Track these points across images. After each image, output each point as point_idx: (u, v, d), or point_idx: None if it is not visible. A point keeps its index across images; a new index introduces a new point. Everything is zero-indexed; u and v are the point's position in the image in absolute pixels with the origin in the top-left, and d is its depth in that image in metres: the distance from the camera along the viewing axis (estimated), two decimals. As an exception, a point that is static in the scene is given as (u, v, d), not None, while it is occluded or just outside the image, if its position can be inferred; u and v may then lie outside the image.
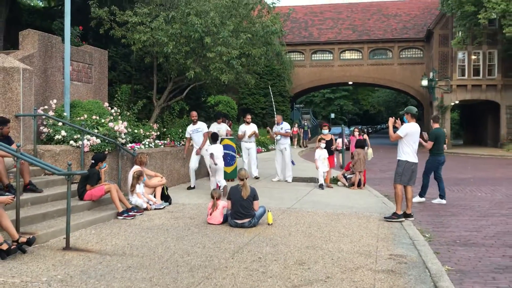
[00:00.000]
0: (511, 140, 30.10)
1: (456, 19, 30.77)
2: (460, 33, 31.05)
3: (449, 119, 33.75)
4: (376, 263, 5.35)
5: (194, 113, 11.27)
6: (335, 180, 12.31)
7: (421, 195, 10.26)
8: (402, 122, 8.26)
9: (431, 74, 33.44)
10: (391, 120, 8.34)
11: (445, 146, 10.38)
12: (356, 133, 13.97)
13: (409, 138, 7.95)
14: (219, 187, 9.70)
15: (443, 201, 10.03)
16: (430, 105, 35.55)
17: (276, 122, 12.97)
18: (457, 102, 33.95)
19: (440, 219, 8.44)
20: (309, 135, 33.22)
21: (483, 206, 9.77)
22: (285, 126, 12.64)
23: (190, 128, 11.18)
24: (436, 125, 10.46)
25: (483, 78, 32.49)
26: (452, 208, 9.47)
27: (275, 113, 14.53)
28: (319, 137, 12.22)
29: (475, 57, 32.75)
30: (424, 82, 33.06)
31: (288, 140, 12.64)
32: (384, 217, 7.94)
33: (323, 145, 11.61)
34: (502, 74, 32.15)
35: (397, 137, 8.03)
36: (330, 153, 12.05)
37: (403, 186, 8.02)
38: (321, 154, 11.50)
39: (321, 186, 11.38)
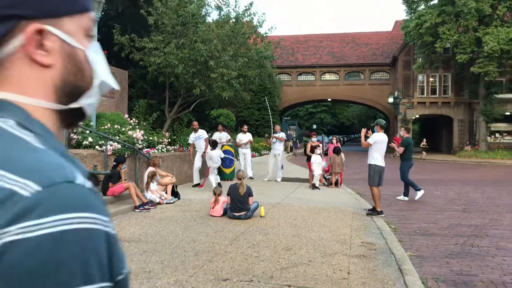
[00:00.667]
0: (462, 148, 30.30)
1: (417, 48, 31.13)
2: (420, 59, 31.36)
3: (411, 130, 33.93)
4: (350, 249, 5.35)
5: (195, 123, 11.12)
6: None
7: (418, 190, 9.87)
8: (373, 132, 8.29)
9: (396, 93, 33.63)
10: (363, 131, 8.35)
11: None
12: (334, 141, 13.99)
13: (377, 145, 7.95)
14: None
15: (406, 198, 10.05)
16: (395, 118, 35.72)
17: (275, 131, 13.11)
18: (417, 116, 34.19)
19: (403, 213, 8.46)
20: (298, 145, 33.30)
21: (439, 202, 9.82)
22: (281, 134, 12.88)
23: (192, 135, 10.98)
24: (407, 135, 10.50)
25: (439, 97, 32.74)
26: (413, 204, 9.50)
27: (271, 123, 14.54)
28: (310, 144, 12.11)
29: (433, 79, 33.01)
30: (390, 100, 33.23)
31: (281, 147, 12.70)
32: (366, 214, 7.76)
33: (318, 151, 11.57)
34: (455, 93, 32.43)
35: (367, 144, 8.04)
36: None
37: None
38: (316, 159, 11.43)
39: (313, 186, 11.20)
